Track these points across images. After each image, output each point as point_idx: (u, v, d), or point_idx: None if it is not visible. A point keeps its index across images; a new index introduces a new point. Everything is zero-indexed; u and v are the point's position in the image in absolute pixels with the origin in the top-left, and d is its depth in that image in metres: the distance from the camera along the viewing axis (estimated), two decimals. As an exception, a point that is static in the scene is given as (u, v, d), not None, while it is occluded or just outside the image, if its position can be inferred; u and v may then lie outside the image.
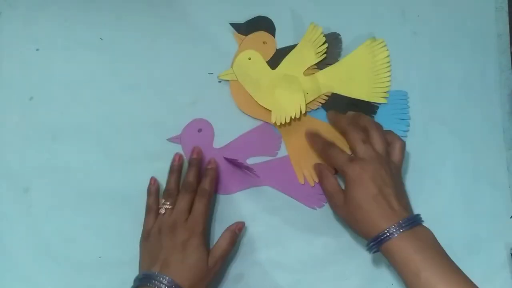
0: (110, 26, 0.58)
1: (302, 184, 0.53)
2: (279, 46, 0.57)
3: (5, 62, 0.57)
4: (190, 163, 0.52)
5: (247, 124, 0.56)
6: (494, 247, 0.53)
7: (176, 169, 0.52)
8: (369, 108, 0.55)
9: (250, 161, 0.54)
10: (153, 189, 0.52)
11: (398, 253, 0.43)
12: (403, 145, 0.50)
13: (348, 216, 0.47)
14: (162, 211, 0.49)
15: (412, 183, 0.54)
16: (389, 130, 0.51)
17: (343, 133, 0.51)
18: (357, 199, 0.45)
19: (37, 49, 0.58)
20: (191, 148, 0.54)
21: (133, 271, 0.52)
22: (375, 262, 0.52)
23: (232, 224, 0.50)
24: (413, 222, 0.44)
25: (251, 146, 0.55)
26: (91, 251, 0.53)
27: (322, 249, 0.53)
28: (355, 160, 0.47)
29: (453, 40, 0.58)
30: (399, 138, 0.50)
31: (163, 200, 0.50)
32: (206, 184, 0.50)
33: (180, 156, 0.53)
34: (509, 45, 0.58)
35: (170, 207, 0.49)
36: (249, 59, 0.56)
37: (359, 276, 0.52)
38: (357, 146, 0.47)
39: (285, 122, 0.53)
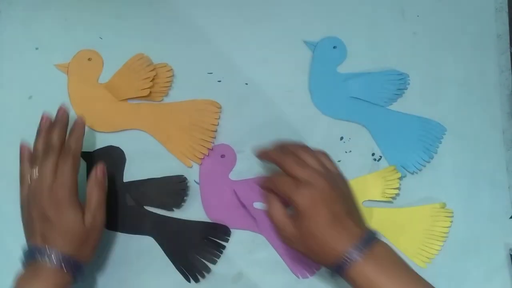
0: (109, 25, 0.58)
1: None
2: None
3: (5, 61, 0.57)
4: (54, 122, 0.48)
5: (244, 120, 0.56)
6: (494, 247, 0.53)
7: (43, 130, 0.48)
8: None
9: (257, 205, 0.53)
10: (26, 155, 0.47)
11: (362, 279, 0.41)
12: (328, 154, 0.48)
13: (303, 248, 0.44)
14: (28, 179, 0.46)
15: (412, 183, 0.54)
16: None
17: (276, 163, 0.47)
18: (310, 228, 0.42)
19: (37, 48, 0.58)
20: (210, 169, 0.53)
21: (129, 271, 0.52)
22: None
23: (92, 171, 0.47)
24: (369, 240, 0.42)
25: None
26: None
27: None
28: (301, 185, 0.43)
29: (453, 40, 0.58)
30: (320, 150, 0.47)
31: (29, 167, 0.46)
32: (71, 141, 0.47)
33: (47, 116, 0.48)
34: (509, 46, 0.58)
35: (37, 174, 0.45)
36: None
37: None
38: (295, 170, 0.44)
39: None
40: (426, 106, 0.56)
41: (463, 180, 0.55)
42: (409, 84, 0.57)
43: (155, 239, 0.53)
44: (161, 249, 0.52)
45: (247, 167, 0.54)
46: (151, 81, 0.55)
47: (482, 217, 0.54)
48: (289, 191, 0.43)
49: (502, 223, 0.54)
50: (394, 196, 0.53)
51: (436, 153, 0.55)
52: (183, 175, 0.54)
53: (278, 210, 0.45)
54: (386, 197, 0.53)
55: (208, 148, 0.54)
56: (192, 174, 0.54)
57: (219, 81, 0.57)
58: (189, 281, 0.51)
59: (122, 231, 0.53)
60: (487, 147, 0.56)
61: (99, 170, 0.47)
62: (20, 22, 0.58)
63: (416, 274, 0.42)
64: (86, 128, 0.52)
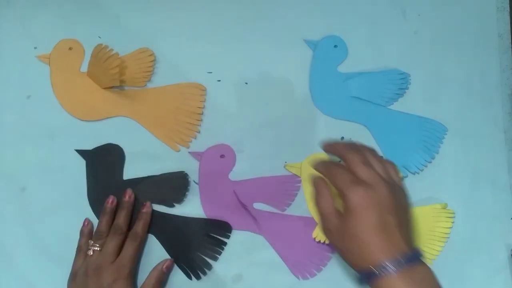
0: (108, 24, 0.58)
1: (297, 250, 0.51)
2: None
3: (3, 60, 0.57)
4: (121, 205, 0.51)
5: (244, 120, 0.56)
6: (495, 248, 0.53)
7: (108, 211, 0.51)
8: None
9: (256, 206, 0.53)
10: (86, 231, 0.51)
11: None
12: (396, 166, 0.46)
13: (340, 244, 0.43)
14: (90, 252, 0.49)
15: (414, 184, 0.54)
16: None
17: (341, 157, 0.46)
18: (355, 227, 0.41)
19: (35, 47, 0.57)
20: (209, 169, 0.53)
21: (134, 268, 0.51)
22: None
23: (160, 263, 0.50)
24: (412, 259, 0.40)
25: (265, 192, 0.53)
26: (89, 251, 0.52)
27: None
28: (359, 183, 0.42)
29: (454, 40, 0.58)
30: (389, 161, 0.47)
31: (91, 242, 0.50)
32: (139, 227, 0.50)
33: (113, 199, 0.52)
34: (510, 45, 0.58)
35: (98, 249, 0.49)
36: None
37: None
38: (358, 169, 0.43)
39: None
40: (427, 105, 0.56)
41: (465, 180, 0.54)
42: (410, 83, 0.57)
43: (155, 236, 0.52)
44: (162, 246, 0.52)
45: (247, 167, 0.54)
46: (121, 69, 0.54)
47: (484, 218, 0.53)
48: (345, 185, 0.42)
49: (503, 224, 0.53)
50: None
51: (437, 153, 0.55)
52: (183, 171, 0.53)
53: (327, 200, 0.44)
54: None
55: (196, 132, 0.54)
56: (191, 173, 0.54)
57: (219, 81, 0.57)
58: (190, 278, 0.51)
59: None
60: (488, 147, 0.55)
61: (166, 264, 0.50)
62: (19, 22, 0.58)
63: None
64: (72, 119, 0.54)
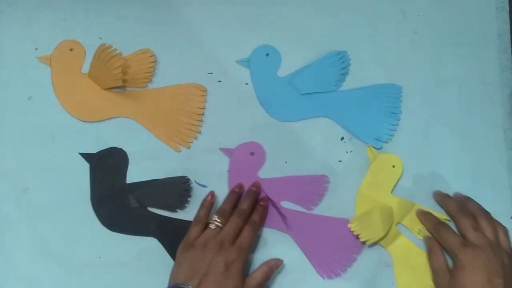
0: (109, 25, 0.58)
1: (323, 250, 0.52)
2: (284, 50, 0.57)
3: (4, 61, 0.57)
4: (247, 193, 0.53)
5: (244, 120, 0.56)
6: (495, 247, 0.53)
7: (235, 194, 0.53)
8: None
9: (284, 204, 0.53)
10: (208, 203, 0.52)
11: None
12: (507, 231, 0.50)
13: None
14: (213, 226, 0.49)
15: (412, 184, 0.54)
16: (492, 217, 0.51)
17: (452, 218, 0.51)
18: (464, 284, 0.45)
19: (36, 48, 0.58)
20: (237, 165, 0.54)
21: (133, 271, 0.52)
22: (376, 262, 0.52)
23: (272, 260, 0.51)
24: None
25: (293, 191, 0.54)
26: (91, 251, 0.53)
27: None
28: (468, 246, 0.47)
29: (453, 40, 0.58)
30: (501, 224, 0.50)
31: (216, 217, 0.50)
32: (256, 217, 0.51)
33: (242, 186, 0.53)
34: (509, 45, 0.58)
35: (220, 225, 0.49)
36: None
37: (360, 276, 0.52)
38: (468, 233, 0.48)
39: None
40: (427, 105, 0.56)
41: (464, 180, 0.54)
42: (350, 59, 0.57)
43: (158, 240, 0.53)
44: (165, 250, 0.52)
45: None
46: (123, 69, 0.54)
47: (483, 217, 0.54)
48: (455, 247, 0.47)
49: (503, 223, 0.53)
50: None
51: (400, 113, 0.55)
52: (186, 176, 0.54)
53: (440, 258, 0.49)
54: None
55: (197, 132, 0.55)
56: (192, 174, 0.54)
57: (219, 81, 0.57)
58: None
59: (125, 233, 0.53)
60: (488, 146, 0.55)
61: (277, 263, 0.51)
62: (20, 23, 0.58)
63: None
64: (73, 119, 0.54)
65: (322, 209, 0.53)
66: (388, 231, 0.51)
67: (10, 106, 0.56)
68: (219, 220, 0.49)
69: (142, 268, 0.52)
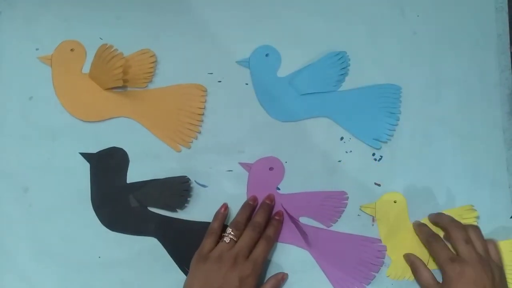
0: (109, 26, 0.58)
1: (342, 267, 0.52)
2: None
3: (5, 61, 0.57)
4: (262, 206, 0.52)
5: (244, 121, 0.56)
6: (494, 247, 0.53)
7: (249, 206, 0.52)
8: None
9: (302, 220, 0.53)
10: (221, 216, 0.52)
11: None
12: (498, 245, 0.51)
13: None
14: (227, 239, 0.49)
15: (412, 183, 0.54)
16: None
17: (445, 231, 0.51)
18: None
19: (37, 49, 0.58)
20: (258, 181, 0.54)
21: (133, 271, 0.52)
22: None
23: (279, 273, 0.51)
24: None
25: (312, 207, 0.53)
26: (91, 251, 0.53)
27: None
28: (457, 261, 0.47)
29: (453, 40, 0.58)
30: (492, 239, 0.51)
31: (230, 230, 0.49)
32: (271, 231, 0.51)
33: (256, 199, 0.53)
34: (509, 45, 0.58)
35: (234, 238, 0.49)
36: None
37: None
38: (459, 246, 0.48)
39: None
40: (426, 105, 0.56)
41: (464, 180, 0.55)
42: (349, 59, 0.57)
43: (158, 240, 0.53)
44: (165, 250, 0.52)
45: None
46: (124, 69, 0.54)
47: (483, 217, 0.54)
48: (443, 261, 0.48)
49: (502, 223, 0.54)
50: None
51: (400, 113, 0.55)
52: (186, 176, 0.54)
53: (424, 272, 0.50)
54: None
55: (197, 132, 0.55)
56: (192, 174, 0.54)
57: (219, 81, 0.57)
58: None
59: (125, 232, 0.53)
60: (487, 146, 0.56)
61: (284, 277, 0.51)
62: (20, 23, 0.58)
63: None
64: (74, 119, 0.54)
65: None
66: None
67: (11, 106, 0.56)
68: (233, 233, 0.49)
69: (142, 268, 0.52)
